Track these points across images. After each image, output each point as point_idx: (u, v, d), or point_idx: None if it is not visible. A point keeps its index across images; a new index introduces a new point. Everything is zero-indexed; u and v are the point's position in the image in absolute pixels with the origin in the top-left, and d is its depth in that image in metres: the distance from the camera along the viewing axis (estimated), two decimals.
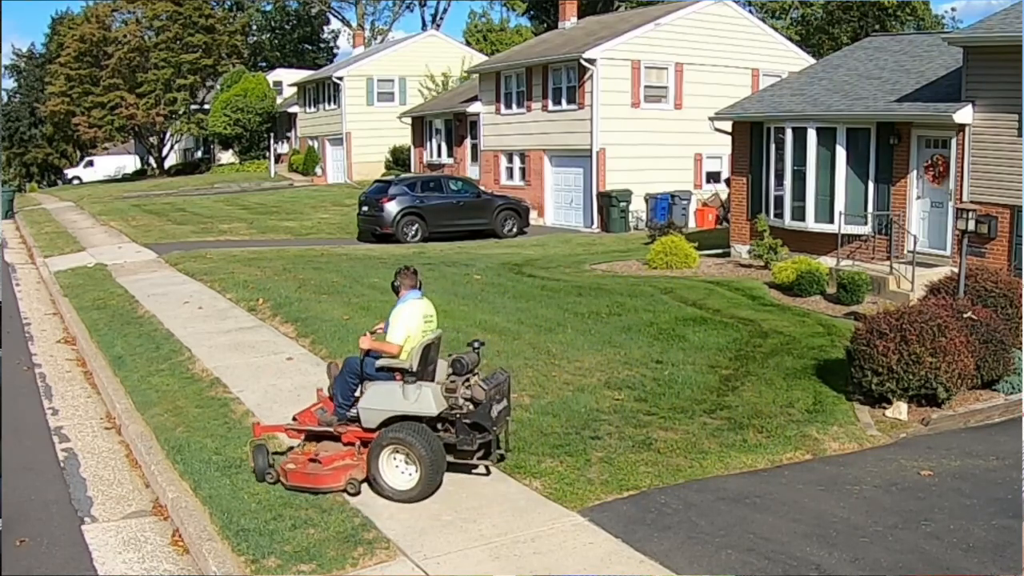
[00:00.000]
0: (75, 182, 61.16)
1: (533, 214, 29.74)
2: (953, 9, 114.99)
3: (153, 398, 11.17)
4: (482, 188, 29.58)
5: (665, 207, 27.48)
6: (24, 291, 19.99)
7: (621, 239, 26.55)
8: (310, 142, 48.58)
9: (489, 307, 15.58)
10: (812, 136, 18.54)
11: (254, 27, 72.55)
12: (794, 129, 18.90)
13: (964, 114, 16.08)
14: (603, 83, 28.65)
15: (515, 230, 27.41)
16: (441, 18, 74.31)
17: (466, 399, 8.08)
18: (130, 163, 66.00)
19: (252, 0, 71.18)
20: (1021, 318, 12.06)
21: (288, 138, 53.66)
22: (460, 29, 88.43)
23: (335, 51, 78.74)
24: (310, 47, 77.44)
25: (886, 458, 9.13)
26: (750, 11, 43.45)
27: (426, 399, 8.09)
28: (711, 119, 21.88)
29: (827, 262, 17.56)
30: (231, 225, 29.43)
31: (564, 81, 29.88)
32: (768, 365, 12.12)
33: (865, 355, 10.44)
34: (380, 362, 8.35)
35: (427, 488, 7.95)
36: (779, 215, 19.51)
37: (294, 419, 8.74)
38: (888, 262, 17.14)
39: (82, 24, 57.48)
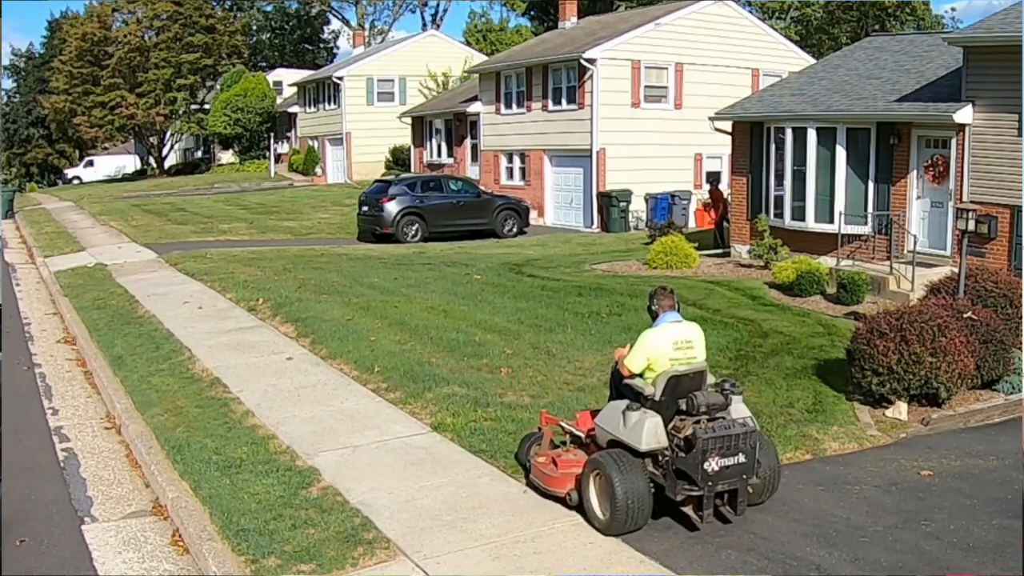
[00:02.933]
0: (75, 182, 61.19)
1: (533, 214, 29.74)
2: (953, 9, 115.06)
3: (153, 398, 11.16)
4: (482, 188, 29.59)
5: (665, 207, 27.47)
6: (24, 291, 19.99)
7: (621, 239, 26.55)
8: (310, 142, 48.59)
9: (489, 307, 15.58)
10: (812, 136, 18.54)
11: (254, 27, 72.57)
12: (794, 129, 18.90)
13: (964, 114, 16.08)
14: (603, 83, 28.65)
15: (515, 230, 27.42)
16: (441, 18, 74.42)
17: (685, 442, 7.26)
18: (130, 163, 66.03)
19: (252, 0, 71.19)
20: (1021, 318, 12.05)
21: (288, 138, 53.67)
22: (460, 29, 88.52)
23: (335, 51, 78.86)
24: (310, 47, 77.46)
25: (886, 458, 9.13)
26: (750, 11, 43.42)
27: (638, 431, 7.35)
28: (711, 119, 21.88)
29: (827, 262, 17.56)
30: (231, 225, 29.43)
31: (564, 81, 29.89)
32: (768, 365, 12.12)
33: (865, 355, 10.44)
34: (627, 380, 7.72)
35: (619, 524, 7.23)
36: (779, 215, 19.51)
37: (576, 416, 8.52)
38: (888, 262, 17.14)
39: (84, 23, 57.48)
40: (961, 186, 16.44)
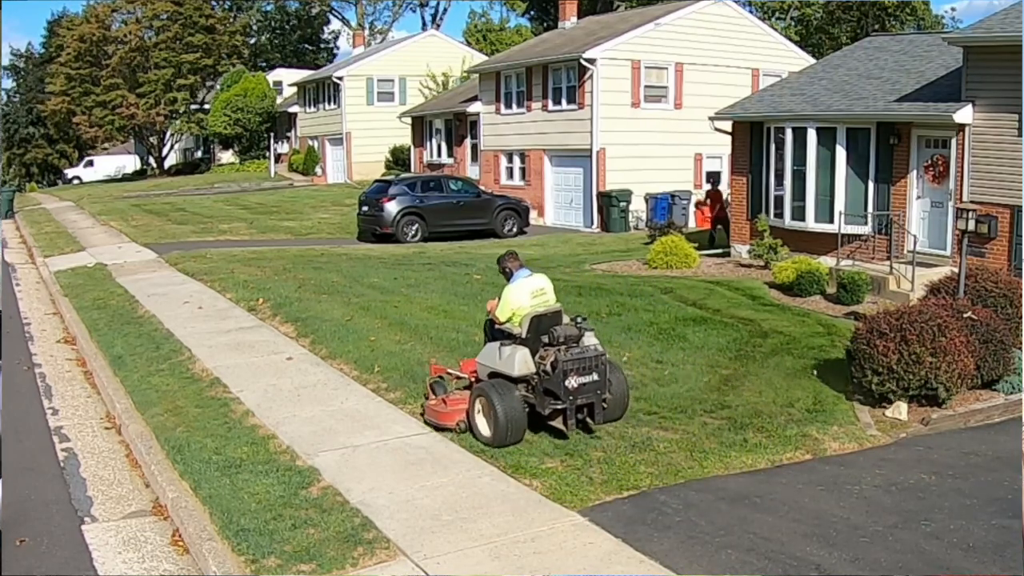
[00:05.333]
0: (75, 182, 61.15)
1: (533, 214, 29.74)
2: (953, 9, 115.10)
3: (153, 398, 11.17)
4: (482, 188, 29.58)
5: (665, 207, 27.43)
6: (24, 291, 19.99)
7: (621, 239, 26.55)
8: (310, 142, 48.58)
9: None
10: (812, 136, 18.54)
11: (254, 27, 72.56)
12: (794, 129, 18.89)
13: (964, 114, 16.07)
14: (603, 83, 28.65)
15: (515, 230, 27.41)
16: (441, 18, 74.46)
17: (550, 367, 8.89)
18: (130, 163, 66.00)
19: (252, 0, 71.18)
20: (1021, 318, 12.05)
21: (288, 138, 53.66)
22: (460, 29, 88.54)
23: (335, 51, 78.84)
24: (310, 47, 77.44)
25: (886, 458, 9.12)
26: (750, 11, 43.44)
27: (511, 361, 9.09)
28: (711, 119, 21.88)
29: (827, 262, 17.56)
30: (231, 225, 29.43)
31: (564, 81, 29.88)
32: (768, 365, 12.12)
33: (865, 355, 10.44)
34: (497, 325, 9.60)
35: (500, 438, 8.92)
36: (779, 215, 19.51)
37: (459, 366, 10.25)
38: (888, 262, 17.14)
39: (82, 24, 57.47)
40: (961, 186, 16.44)
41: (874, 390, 10.43)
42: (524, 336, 9.22)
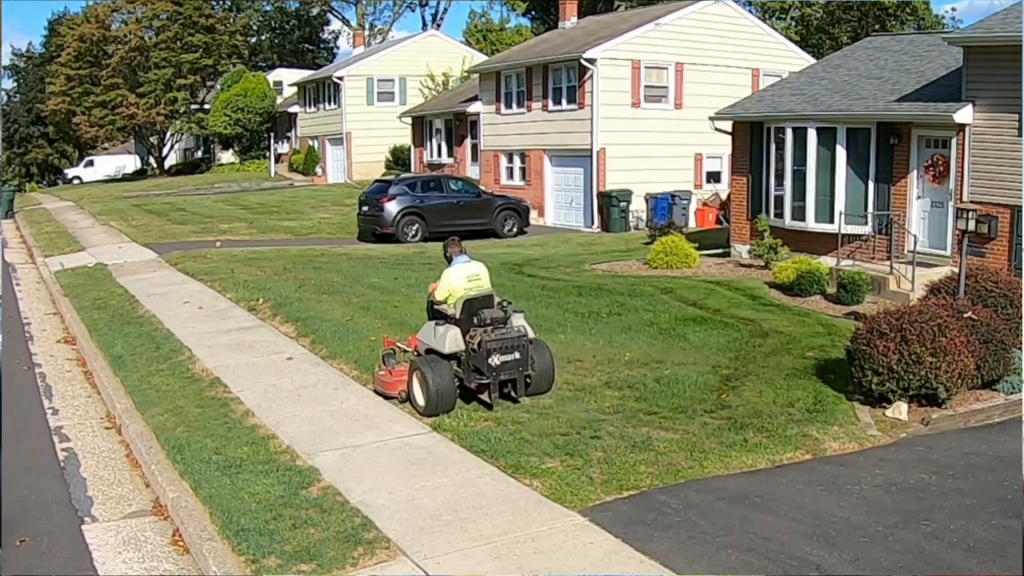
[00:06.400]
0: (75, 182, 61.15)
1: (533, 214, 29.74)
2: (953, 9, 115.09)
3: (153, 398, 11.17)
4: (482, 188, 29.58)
5: (665, 207, 27.47)
6: (24, 291, 20.00)
7: (621, 239, 26.55)
8: (310, 142, 48.59)
9: None
10: (812, 136, 18.54)
11: (254, 27, 72.55)
12: (794, 129, 18.89)
13: (964, 114, 16.07)
14: (603, 83, 28.64)
15: (515, 230, 27.41)
16: (441, 18, 74.46)
17: (477, 345, 9.93)
18: (130, 163, 65.98)
19: (251, 0, 71.18)
20: (1021, 318, 12.05)
21: (288, 138, 53.66)
22: (460, 29, 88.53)
23: (335, 51, 78.83)
24: (310, 47, 77.44)
25: (886, 458, 9.12)
26: (750, 11, 43.44)
27: (442, 339, 10.18)
28: (711, 119, 21.88)
29: (827, 262, 17.56)
30: (231, 225, 29.43)
31: (564, 81, 29.88)
32: (768, 365, 12.12)
33: (865, 355, 10.44)
34: (436, 305, 10.68)
35: (432, 407, 9.96)
36: (779, 215, 19.51)
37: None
38: (888, 262, 17.14)
39: (82, 24, 57.46)
40: (961, 186, 16.44)
41: (874, 390, 10.42)
42: (457, 317, 10.28)
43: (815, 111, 18.79)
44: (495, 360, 9.95)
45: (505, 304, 10.43)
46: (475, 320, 10.12)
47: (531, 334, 10.50)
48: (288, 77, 57.92)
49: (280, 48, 74.78)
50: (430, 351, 10.36)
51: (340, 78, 44.38)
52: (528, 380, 10.42)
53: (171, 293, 17.59)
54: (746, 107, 21.29)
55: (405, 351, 11.18)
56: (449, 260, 10.84)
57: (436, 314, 10.62)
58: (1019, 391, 10.96)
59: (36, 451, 9.88)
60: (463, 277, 10.58)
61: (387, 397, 10.65)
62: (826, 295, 16.65)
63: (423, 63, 44.71)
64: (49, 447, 10.02)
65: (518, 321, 10.41)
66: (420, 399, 10.15)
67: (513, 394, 10.37)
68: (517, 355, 10.08)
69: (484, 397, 10.30)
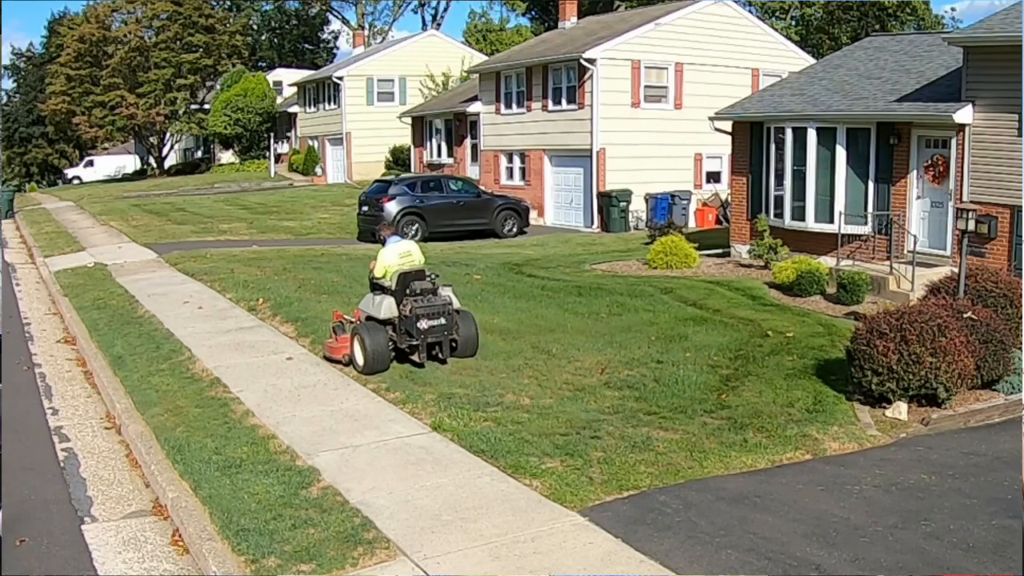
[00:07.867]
0: (75, 182, 61.14)
1: (533, 214, 29.73)
2: (953, 9, 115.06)
3: (153, 398, 11.17)
4: (482, 188, 29.57)
5: (665, 207, 27.47)
6: (24, 291, 19.99)
7: (621, 239, 26.54)
8: (310, 142, 48.58)
9: (489, 307, 15.58)
10: (812, 136, 18.54)
11: (254, 27, 72.54)
12: (794, 129, 18.89)
13: (964, 114, 16.08)
14: (603, 83, 28.64)
15: (515, 230, 27.40)
16: (441, 18, 74.38)
17: (409, 312, 11.49)
18: (130, 163, 65.96)
19: (251, 0, 71.16)
20: (1021, 318, 12.05)
21: (288, 138, 53.66)
22: (460, 29, 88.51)
23: (335, 51, 78.83)
24: (310, 47, 77.44)
25: (886, 458, 9.12)
26: (750, 11, 43.44)
27: (379, 307, 11.70)
28: (711, 119, 21.88)
29: (827, 262, 17.56)
30: (231, 225, 29.43)
31: (564, 81, 29.87)
32: (768, 365, 12.12)
33: (865, 355, 10.44)
34: (375, 281, 12.07)
35: (370, 367, 11.46)
36: (779, 215, 19.51)
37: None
38: (888, 262, 17.14)
39: (82, 24, 57.45)
40: (961, 186, 16.44)
41: (874, 390, 10.43)
42: (393, 289, 11.73)
43: (815, 111, 18.79)
44: (423, 324, 11.53)
45: (434, 277, 11.98)
46: (407, 291, 11.61)
47: (456, 304, 12.07)
48: (288, 77, 57.92)
49: (280, 48, 74.78)
50: (370, 318, 11.78)
51: (340, 78, 44.37)
52: (454, 344, 12.05)
53: (171, 293, 17.58)
54: (746, 107, 21.29)
55: (352, 323, 12.29)
56: (383, 241, 12.33)
57: (376, 287, 12.04)
58: (1019, 391, 10.96)
59: (36, 451, 9.88)
60: (395, 254, 12.05)
61: (334, 361, 12.11)
62: (826, 295, 16.65)
63: (423, 63, 44.71)
64: (49, 447, 10.02)
65: (445, 292, 11.98)
66: (360, 359, 11.59)
67: (440, 355, 11.88)
68: (443, 320, 11.71)
69: (415, 358, 11.76)
